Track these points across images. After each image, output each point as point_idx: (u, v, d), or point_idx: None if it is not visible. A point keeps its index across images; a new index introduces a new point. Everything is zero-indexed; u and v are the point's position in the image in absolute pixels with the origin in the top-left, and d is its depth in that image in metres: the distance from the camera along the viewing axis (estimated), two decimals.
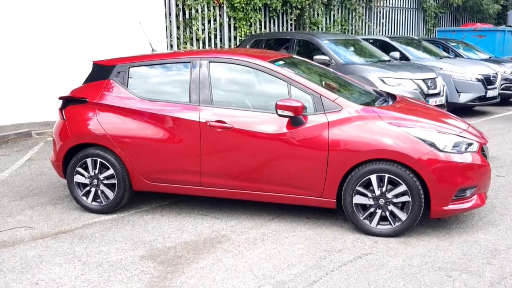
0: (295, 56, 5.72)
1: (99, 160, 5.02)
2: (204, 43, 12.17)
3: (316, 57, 9.56)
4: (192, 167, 4.77)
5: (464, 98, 10.76)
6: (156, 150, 4.84)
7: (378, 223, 4.40)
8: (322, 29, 14.80)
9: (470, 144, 4.41)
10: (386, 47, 11.91)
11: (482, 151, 4.53)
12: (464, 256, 4.04)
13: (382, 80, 8.91)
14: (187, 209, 5.18)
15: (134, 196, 5.38)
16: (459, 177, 4.26)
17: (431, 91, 9.34)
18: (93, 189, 5.09)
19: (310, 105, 4.50)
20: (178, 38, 11.60)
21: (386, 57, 10.44)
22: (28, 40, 9.29)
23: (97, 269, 3.92)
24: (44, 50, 9.47)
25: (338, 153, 4.36)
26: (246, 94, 4.84)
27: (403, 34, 18.17)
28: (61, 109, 5.24)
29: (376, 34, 16.75)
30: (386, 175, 4.28)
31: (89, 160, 5.05)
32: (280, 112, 4.36)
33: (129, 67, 5.08)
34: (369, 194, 4.36)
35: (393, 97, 5.28)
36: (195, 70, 4.83)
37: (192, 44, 11.92)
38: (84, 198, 5.13)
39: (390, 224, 4.36)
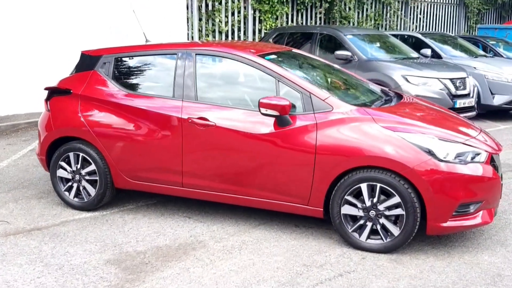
0: (296, 50, 5.31)
1: (81, 154, 4.77)
2: (227, 36, 11.84)
3: (338, 52, 9.12)
4: (173, 166, 4.46)
5: (498, 100, 10.02)
6: (137, 146, 4.56)
7: (368, 237, 3.97)
8: (353, 24, 14.23)
9: (478, 154, 3.92)
10: (419, 44, 11.28)
11: (492, 161, 4.03)
12: (460, 281, 3.57)
13: (406, 79, 8.36)
14: (172, 210, 4.88)
15: (122, 194, 5.13)
16: (461, 190, 3.78)
17: (459, 92, 8.72)
18: (75, 185, 4.86)
19: (299, 103, 4.11)
20: (200, 31, 11.32)
21: (414, 54, 9.85)
22: (40, 37, 9.16)
23: (56, 272, 3.67)
24: (55, 45, 9.35)
25: (326, 158, 3.95)
26: (233, 90, 4.49)
27: (442, 31, 17.32)
28: (46, 100, 5.02)
29: (412, 30, 16.01)
30: (378, 185, 3.85)
31: (71, 154, 4.81)
32: (263, 110, 3.98)
33: (114, 58, 4.80)
34: (359, 205, 3.94)
35: (400, 97, 4.81)
36: (180, 63, 4.50)
37: (214, 37, 11.61)
38: (67, 193, 4.90)
39: (382, 239, 3.93)
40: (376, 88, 5.01)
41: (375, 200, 3.88)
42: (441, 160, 3.76)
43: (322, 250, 4.02)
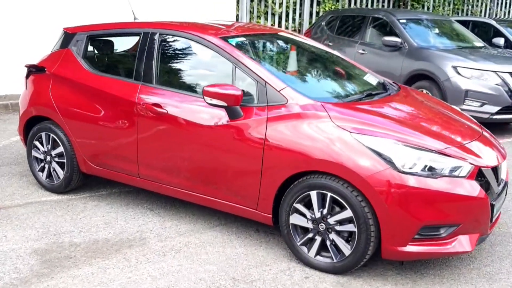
0: (288, 33, 4.70)
1: (51, 135, 4.60)
2: (280, 18, 11.27)
3: (385, 38, 8.31)
4: (130, 154, 4.14)
5: None
6: (99, 131, 4.28)
7: (318, 253, 3.41)
8: (428, 9, 13.04)
9: (458, 166, 3.19)
10: (494, 32, 10.05)
11: (480, 176, 3.28)
12: None
13: (456, 70, 7.38)
14: (141, 200, 4.58)
15: (102, 179, 4.91)
16: (427, 209, 3.10)
17: None
18: (46, 166, 4.72)
19: (254, 93, 3.60)
20: (251, 12, 10.85)
21: (479, 43, 8.73)
22: (38, 15, 8.45)
23: None
24: (53, 24, 8.49)
25: (274, 158, 3.43)
26: (191, 75, 4.06)
27: None
28: (26, 78, 4.90)
29: (499, 16, 14.39)
30: (329, 194, 3.26)
31: (43, 134, 4.66)
32: (208, 100, 3.51)
33: (86, 36, 4.54)
34: (308, 215, 3.38)
35: (397, 91, 4.12)
36: (142, 43, 4.14)
37: (266, 19, 11.10)
38: (40, 173, 4.77)
39: (332, 257, 3.35)
40: (373, 80, 4.32)
41: (325, 211, 3.31)
42: (402, 171, 3.09)
43: (265, 263, 3.51)
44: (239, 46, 3.87)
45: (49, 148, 4.64)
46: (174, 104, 3.84)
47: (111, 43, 4.60)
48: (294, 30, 11.52)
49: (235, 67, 3.68)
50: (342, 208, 3.24)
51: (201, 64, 4.06)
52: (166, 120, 3.86)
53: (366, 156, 3.14)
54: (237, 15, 10.58)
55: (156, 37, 4.09)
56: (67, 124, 4.43)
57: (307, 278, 3.33)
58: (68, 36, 4.67)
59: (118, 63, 4.43)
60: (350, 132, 3.23)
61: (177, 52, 4.12)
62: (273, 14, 11.12)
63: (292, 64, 4.13)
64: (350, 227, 3.23)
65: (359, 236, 3.20)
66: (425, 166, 3.13)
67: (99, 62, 4.51)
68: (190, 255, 3.59)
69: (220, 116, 3.62)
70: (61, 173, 4.62)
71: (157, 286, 3.20)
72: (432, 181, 3.10)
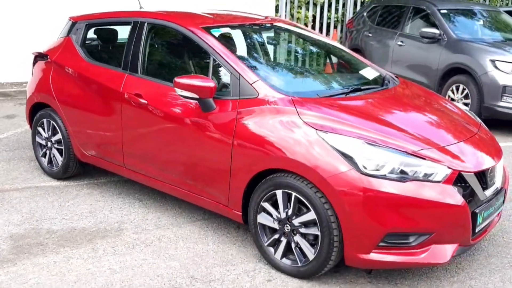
0: (287, 24, 4.47)
1: (51, 122, 4.68)
2: (322, 8, 10.94)
3: (423, 30, 7.86)
4: (116, 144, 4.12)
5: None
6: (90, 119, 4.30)
7: (284, 256, 3.23)
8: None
9: (433, 170, 2.91)
10: None
11: (460, 182, 2.98)
12: None
13: (494, 64, 6.84)
14: (134, 190, 4.55)
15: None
16: (392, 215, 2.85)
17: None
18: (48, 152, 4.80)
19: (229, 85, 3.46)
20: (292, 2, 10.60)
21: None
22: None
23: None
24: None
25: (241, 154, 3.28)
26: (173, 65, 3.98)
27: None
28: (33, 65, 5.00)
29: None
30: (293, 194, 3.08)
31: (45, 121, 4.74)
32: (179, 92, 3.41)
33: (86, 25, 4.55)
34: (274, 215, 3.21)
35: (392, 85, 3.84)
36: (132, 32, 4.08)
37: (307, 9, 10.78)
38: (43, 159, 4.87)
39: (297, 260, 3.17)
40: (371, 74, 4.05)
41: (290, 212, 3.13)
42: (366, 173, 2.86)
43: (231, 262, 3.38)
44: (220, 37, 3.73)
45: (50, 134, 4.72)
46: (154, 94, 3.77)
47: (107, 32, 4.60)
48: (337, 21, 11.17)
49: (213, 58, 3.55)
50: (307, 209, 3.05)
51: (183, 55, 3.97)
52: (146, 111, 3.79)
53: (330, 155, 2.93)
54: (277, 6, 10.37)
55: (144, 26, 4.02)
56: (64, 112, 4.48)
57: (269, 281, 3.17)
58: (71, 24, 4.71)
59: (111, 52, 4.42)
60: (316, 129, 3.02)
61: (161, 42, 4.05)
62: (314, 4, 10.81)
63: (276, 56, 3.94)
64: (315, 230, 3.04)
65: (322, 240, 3.00)
66: (395, 168, 2.88)
67: (95, 50, 4.53)
68: (159, 250, 3.52)
69: (194, 109, 3.51)
70: (60, 159, 4.69)
71: (112, 280, 3.15)
72: (399, 185, 2.84)
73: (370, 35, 9.26)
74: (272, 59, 4.00)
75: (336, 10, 11.09)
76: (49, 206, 4.21)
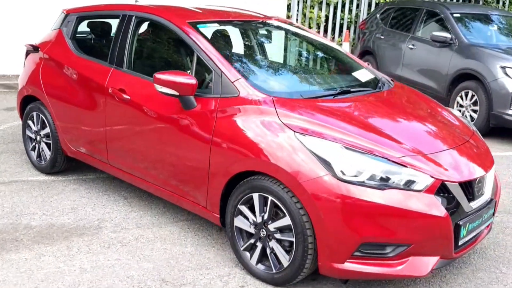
0: (281, 22, 4.34)
1: (40, 115, 4.63)
2: (335, 8, 10.77)
3: (434, 33, 7.66)
4: (100, 140, 4.04)
5: None
6: (77, 114, 4.22)
7: (260, 261, 3.11)
8: (502, 4, 11.94)
9: (414, 179, 2.76)
10: None
11: (443, 192, 2.83)
12: None
13: (504, 71, 6.62)
14: (121, 187, 4.47)
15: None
16: (368, 224, 2.71)
17: None
18: (37, 146, 4.75)
19: (212, 83, 3.35)
20: (305, 1, 10.44)
21: None
22: None
23: None
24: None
25: (220, 154, 3.17)
26: (157, 61, 3.89)
27: None
28: (25, 57, 4.96)
29: None
30: (270, 198, 2.96)
31: (34, 114, 4.69)
32: (159, 88, 3.31)
33: (76, 17, 4.49)
34: (251, 219, 3.09)
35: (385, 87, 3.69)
36: (120, 26, 4.00)
37: (320, 9, 10.62)
38: (32, 152, 4.81)
39: (272, 267, 3.05)
40: (365, 76, 3.90)
41: (266, 216, 3.01)
42: (343, 180, 2.72)
43: (207, 266, 3.27)
44: (205, 33, 3.62)
45: (39, 128, 4.67)
46: (136, 90, 3.68)
47: (98, 25, 4.53)
48: (350, 22, 10.99)
49: (197, 54, 3.45)
50: (283, 214, 2.93)
51: (169, 50, 3.87)
52: (129, 107, 3.71)
53: (307, 159, 2.80)
54: (289, 5, 10.24)
55: (132, 20, 3.94)
56: (52, 106, 4.42)
57: (242, 287, 3.05)
58: (64, 17, 4.65)
59: (101, 46, 4.35)
60: (295, 131, 2.90)
61: (148, 36, 3.96)
62: (327, 4, 10.64)
63: (264, 55, 3.81)
64: (290, 236, 2.91)
65: (296, 247, 2.87)
66: (374, 175, 2.74)
67: (85, 44, 4.45)
68: (134, 250, 3.43)
69: (176, 106, 3.41)
70: (48, 154, 4.63)
71: (80, 279, 3.06)
72: (378, 193, 2.70)
73: (382, 37, 9.08)
74: (260, 58, 3.88)
75: (350, 10, 10.90)
76: (32, 201, 4.15)
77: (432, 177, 2.79)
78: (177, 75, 3.25)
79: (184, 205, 3.56)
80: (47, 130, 4.57)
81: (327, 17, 10.71)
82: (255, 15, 4.21)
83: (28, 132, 4.81)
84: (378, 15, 9.61)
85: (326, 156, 2.77)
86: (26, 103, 4.82)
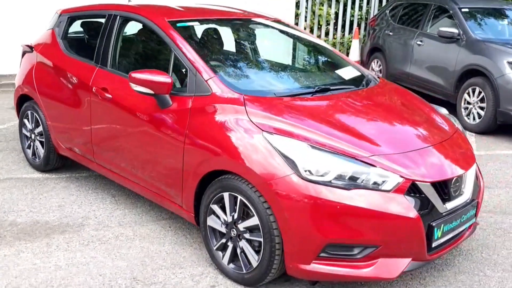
0: (268, 21, 4.28)
1: (34, 114, 4.69)
2: (345, 5, 10.62)
3: (441, 29, 7.50)
4: (86, 138, 4.07)
5: None
6: (65, 112, 4.27)
7: (231, 261, 3.09)
8: None
9: (382, 179, 2.71)
10: None
11: (414, 192, 2.76)
12: None
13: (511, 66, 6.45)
14: (111, 185, 4.50)
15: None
16: (333, 224, 2.67)
17: None
18: (32, 144, 4.82)
19: (187, 82, 3.34)
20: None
21: None
22: None
23: None
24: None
25: (192, 153, 3.15)
26: (137, 59, 3.90)
27: None
28: (21, 57, 5.03)
29: None
30: (239, 197, 2.93)
31: (29, 113, 4.76)
32: (134, 87, 3.31)
33: (68, 17, 4.53)
34: (222, 218, 3.08)
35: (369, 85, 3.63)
36: (105, 25, 4.02)
37: (330, 6, 10.49)
38: (28, 150, 4.89)
39: (242, 267, 3.02)
40: (349, 73, 3.84)
41: (236, 216, 2.99)
42: (308, 179, 2.68)
43: (181, 265, 3.26)
44: (184, 31, 3.61)
45: (33, 126, 4.73)
46: (117, 89, 3.70)
47: (89, 25, 4.56)
48: (361, 19, 10.86)
49: (174, 52, 3.44)
50: (252, 214, 2.90)
51: (149, 48, 3.87)
52: (111, 106, 3.73)
53: (273, 158, 2.77)
54: (297, 2, 10.16)
55: (116, 19, 3.96)
56: (44, 104, 4.48)
57: (212, 287, 3.04)
58: (58, 17, 4.70)
59: (89, 46, 4.37)
60: (263, 130, 2.87)
61: (129, 35, 3.97)
62: (337, 1, 10.52)
63: (243, 53, 3.78)
64: (258, 236, 2.88)
65: (264, 247, 2.84)
66: (341, 175, 2.69)
67: (74, 43, 4.49)
68: (111, 248, 3.44)
69: (153, 105, 3.41)
70: (41, 151, 4.70)
71: (53, 276, 3.09)
72: (344, 193, 2.65)
73: (391, 34, 8.94)
74: (238, 56, 3.85)
75: (360, 7, 10.77)
76: (22, 198, 4.21)
77: (402, 176, 2.72)
78: (152, 74, 3.25)
79: (165, 205, 3.56)
80: (41, 128, 4.63)
81: (336, 14, 10.60)
82: (241, 13, 4.18)
83: (24, 131, 4.88)
84: (387, 11, 9.46)
85: (292, 155, 2.73)
86: (22, 102, 4.90)
